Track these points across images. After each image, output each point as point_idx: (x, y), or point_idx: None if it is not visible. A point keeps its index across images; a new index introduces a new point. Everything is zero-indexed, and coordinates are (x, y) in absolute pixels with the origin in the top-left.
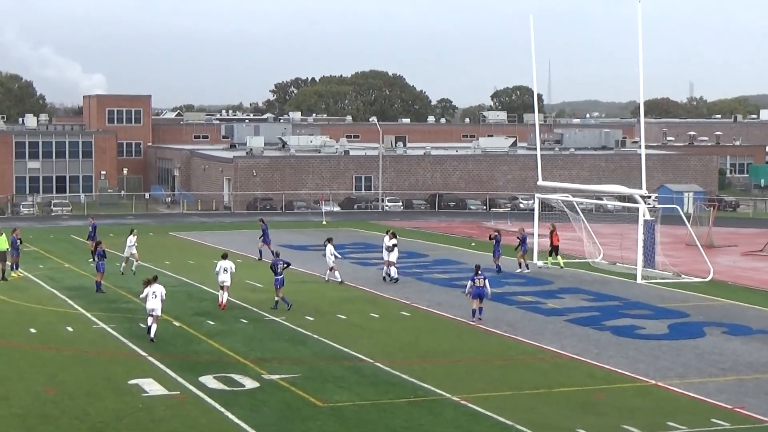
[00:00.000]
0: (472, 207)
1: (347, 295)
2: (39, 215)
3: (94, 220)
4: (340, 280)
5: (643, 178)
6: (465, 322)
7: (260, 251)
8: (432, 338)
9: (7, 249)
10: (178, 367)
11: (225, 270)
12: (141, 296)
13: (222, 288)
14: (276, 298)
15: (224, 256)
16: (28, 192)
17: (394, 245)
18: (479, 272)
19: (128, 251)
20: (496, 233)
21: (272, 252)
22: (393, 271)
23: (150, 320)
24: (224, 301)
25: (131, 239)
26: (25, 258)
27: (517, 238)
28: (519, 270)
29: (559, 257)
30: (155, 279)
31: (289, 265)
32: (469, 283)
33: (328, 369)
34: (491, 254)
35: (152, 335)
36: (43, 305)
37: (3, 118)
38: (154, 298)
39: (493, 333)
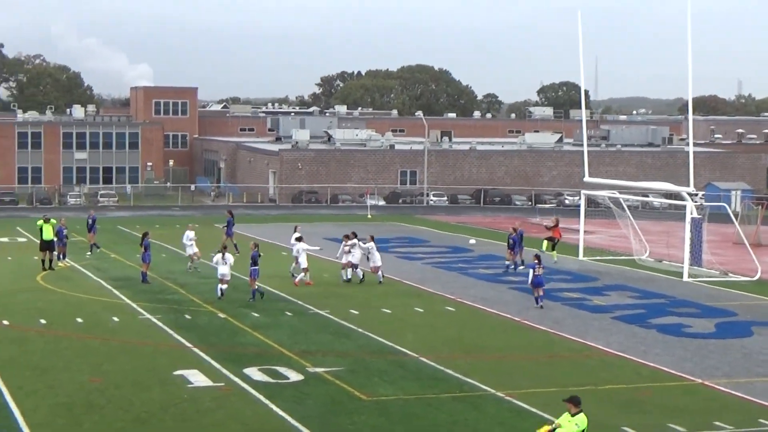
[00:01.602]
0: (517, 203)
1: (392, 289)
2: (85, 205)
3: (95, 212)
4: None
5: (691, 175)
6: (510, 317)
7: (235, 245)
8: (477, 334)
9: (53, 239)
10: (223, 358)
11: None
12: (213, 263)
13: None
14: (253, 288)
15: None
16: (75, 182)
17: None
18: (539, 261)
19: (190, 249)
20: (514, 229)
21: (143, 244)
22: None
23: (221, 284)
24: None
25: (189, 234)
26: (71, 248)
27: (511, 237)
28: (513, 268)
29: (554, 252)
30: (225, 248)
31: (259, 256)
32: (531, 271)
33: (373, 363)
34: (511, 250)
35: (221, 295)
36: (89, 295)
37: (51, 108)
38: (224, 264)
39: (539, 329)
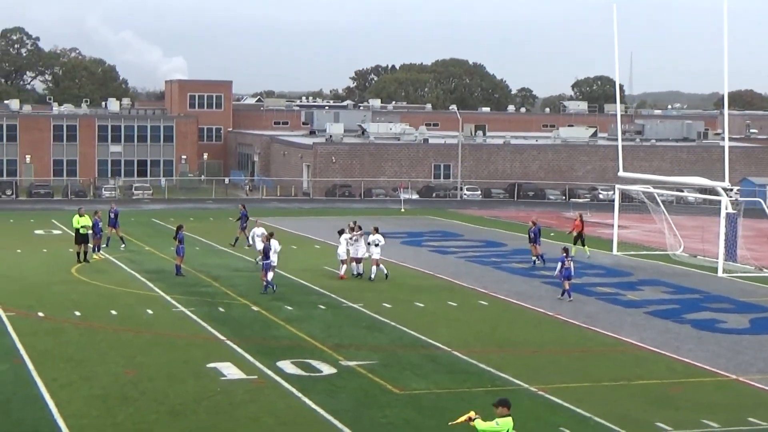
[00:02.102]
0: (551, 197)
1: (425, 283)
2: (120, 198)
3: (116, 206)
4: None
5: (726, 170)
6: (543, 312)
7: (247, 237)
8: (510, 328)
9: (89, 232)
10: (256, 351)
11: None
12: (258, 249)
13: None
14: (265, 281)
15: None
16: (110, 175)
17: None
18: (568, 254)
19: (259, 245)
20: (533, 222)
21: (177, 237)
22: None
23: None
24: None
25: (257, 231)
26: (105, 240)
27: (531, 230)
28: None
29: (585, 247)
30: (272, 235)
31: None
32: (559, 264)
33: (406, 356)
34: (534, 244)
35: (270, 280)
36: (123, 287)
37: (86, 101)
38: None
39: (572, 324)
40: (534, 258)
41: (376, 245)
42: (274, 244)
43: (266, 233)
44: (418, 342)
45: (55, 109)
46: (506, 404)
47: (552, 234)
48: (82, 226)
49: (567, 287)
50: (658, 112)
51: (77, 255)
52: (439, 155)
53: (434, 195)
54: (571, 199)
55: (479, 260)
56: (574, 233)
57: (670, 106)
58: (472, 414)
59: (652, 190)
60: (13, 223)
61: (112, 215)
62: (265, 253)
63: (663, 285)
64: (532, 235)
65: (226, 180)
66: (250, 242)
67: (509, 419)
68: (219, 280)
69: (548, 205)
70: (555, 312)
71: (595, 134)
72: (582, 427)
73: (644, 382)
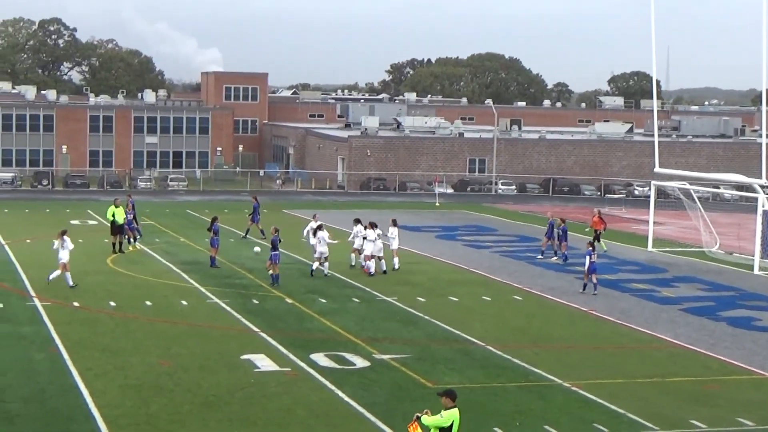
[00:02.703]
0: (586, 192)
1: (460, 277)
2: (156, 189)
3: (132, 197)
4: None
5: (763, 167)
6: (578, 308)
7: (261, 231)
8: (544, 323)
9: (124, 223)
10: (290, 344)
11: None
12: (309, 241)
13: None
14: (271, 273)
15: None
16: (145, 166)
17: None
18: (594, 249)
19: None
20: (563, 220)
21: (212, 229)
22: (375, 265)
23: (317, 263)
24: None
25: (314, 225)
26: (141, 231)
27: (555, 227)
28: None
29: (602, 243)
30: (321, 228)
31: (279, 241)
32: (587, 259)
33: (439, 351)
34: (558, 241)
35: (326, 271)
36: (158, 278)
37: (123, 92)
38: (320, 243)
39: (606, 320)
40: (561, 253)
41: (367, 239)
42: (323, 235)
43: (274, 227)
44: (451, 336)
45: (92, 99)
46: (451, 395)
47: (587, 230)
48: (116, 218)
49: (594, 281)
50: (694, 108)
51: (113, 246)
52: (474, 149)
53: (469, 189)
54: (607, 195)
55: (514, 255)
56: (597, 230)
57: (707, 102)
58: (419, 414)
59: (688, 186)
60: (49, 213)
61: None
62: (273, 245)
63: (698, 282)
64: (560, 232)
65: (261, 172)
66: (304, 236)
67: (455, 411)
68: (253, 272)
69: (583, 200)
70: (589, 308)
71: (631, 130)
72: (615, 424)
73: (679, 380)
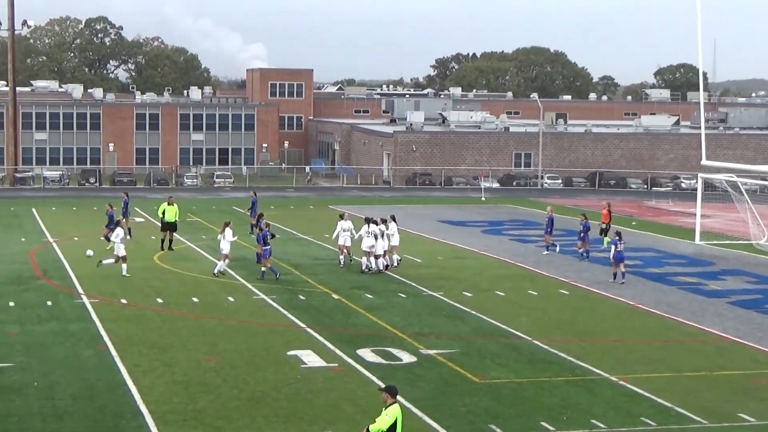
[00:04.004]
0: (632, 186)
1: (506, 272)
2: (202, 186)
3: (128, 196)
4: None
5: None
6: (624, 301)
7: (251, 225)
8: (590, 317)
9: (176, 220)
10: (336, 339)
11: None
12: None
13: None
14: (263, 269)
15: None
16: (191, 163)
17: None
18: (620, 238)
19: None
20: (584, 215)
21: (258, 226)
22: (380, 263)
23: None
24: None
25: (345, 225)
26: (187, 229)
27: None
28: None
29: (606, 238)
30: (342, 216)
31: (274, 236)
32: (613, 248)
33: (486, 345)
34: (595, 237)
35: (268, 267)
36: (205, 275)
37: (169, 90)
38: (368, 236)
39: (653, 313)
40: (580, 251)
41: (384, 235)
42: (348, 224)
43: (265, 221)
44: (498, 331)
45: (138, 97)
46: (391, 391)
47: (634, 223)
48: (166, 215)
49: (623, 269)
50: (741, 100)
51: (161, 242)
52: (520, 144)
53: (515, 183)
54: (653, 188)
55: (560, 249)
56: (604, 224)
57: (754, 94)
58: (368, 426)
59: (735, 179)
60: (97, 211)
61: (123, 205)
62: (264, 239)
63: (746, 275)
64: (582, 228)
65: (307, 168)
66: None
67: (396, 406)
68: (299, 269)
69: (630, 194)
70: (636, 301)
71: (677, 122)
72: (663, 418)
73: (727, 373)
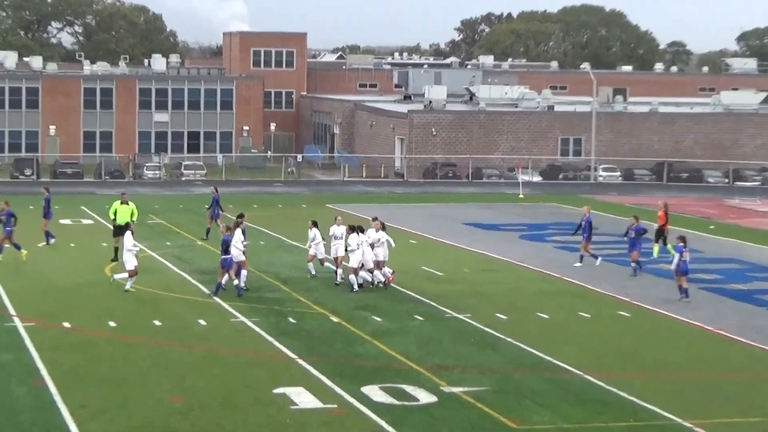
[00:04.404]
0: (710, 179)
1: (549, 288)
2: (167, 180)
3: (49, 192)
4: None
5: None
6: (700, 326)
7: (207, 230)
8: (657, 346)
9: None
10: (336, 373)
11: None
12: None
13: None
14: (221, 281)
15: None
16: (153, 151)
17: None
18: (685, 244)
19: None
20: (636, 218)
21: (219, 226)
22: (379, 275)
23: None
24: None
25: (338, 232)
26: (148, 233)
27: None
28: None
29: (656, 247)
30: (315, 224)
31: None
32: (677, 256)
33: (524, 381)
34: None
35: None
36: (169, 292)
37: (125, 59)
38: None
39: (738, 341)
40: (634, 265)
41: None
42: (342, 229)
43: (225, 225)
44: (540, 362)
45: (87, 68)
46: None
47: (712, 227)
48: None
49: (685, 284)
50: None
51: (114, 251)
52: (568, 126)
53: (561, 177)
54: (737, 183)
55: (619, 260)
56: (661, 228)
57: None
58: None
59: None
60: (34, 210)
61: (44, 204)
62: (224, 247)
63: None
64: (632, 233)
65: (299, 157)
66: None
67: None
68: (289, 283)
69: (707, 189)
70: (716, 326)
71: (766, 100)
72: None
73: None
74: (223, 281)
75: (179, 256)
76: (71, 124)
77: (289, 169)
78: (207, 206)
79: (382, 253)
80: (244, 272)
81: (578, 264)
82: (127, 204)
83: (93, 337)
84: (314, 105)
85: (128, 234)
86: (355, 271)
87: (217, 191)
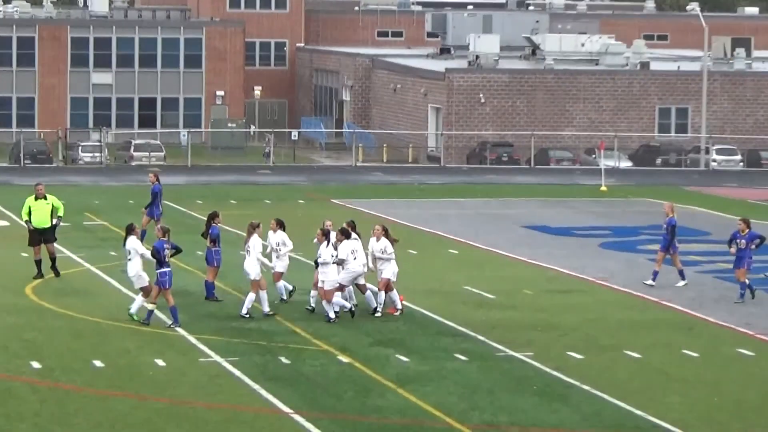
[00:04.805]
0: None
1: (642, 316)
2: (110, 166)
3: None
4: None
5: None
6: None
7: (143, 231)
8: None
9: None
10: None
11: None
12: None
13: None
14: (150, 305)
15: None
16: (91, 125)
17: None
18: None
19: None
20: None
21: (209, 230)
22: (381, 297)
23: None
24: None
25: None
26: (85, 239)
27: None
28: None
29: None
30: (282, 225)
31: (178, 251)
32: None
33: None
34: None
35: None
36: (114, 320)
37: None
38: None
39: None
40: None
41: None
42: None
43: (161, 227)
44: (629, 419)
45: None
46: None
47: None
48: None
49: (742, 280)
50: None
51: (37, 264)
52: (668, 92)
53: (659, 162)
54: None
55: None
56: None
57: None
58: None
59: None
60: None
61: None
62: (158, 257)
63: None
64: (741, 244)
65: (294, 134)
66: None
67: None
68: (281, 309)
69: None
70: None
71: None
72: None
73: None
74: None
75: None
76: None
77: (265, 150)
78: (145, 207)
79: (389, 270)
80: (263, 294)
81: (681, 283)
82: (45, 198)
83: (10, 384)
84: (315, 61)
85: (132, 238)
86: (341, 289)
87: (158, 180)
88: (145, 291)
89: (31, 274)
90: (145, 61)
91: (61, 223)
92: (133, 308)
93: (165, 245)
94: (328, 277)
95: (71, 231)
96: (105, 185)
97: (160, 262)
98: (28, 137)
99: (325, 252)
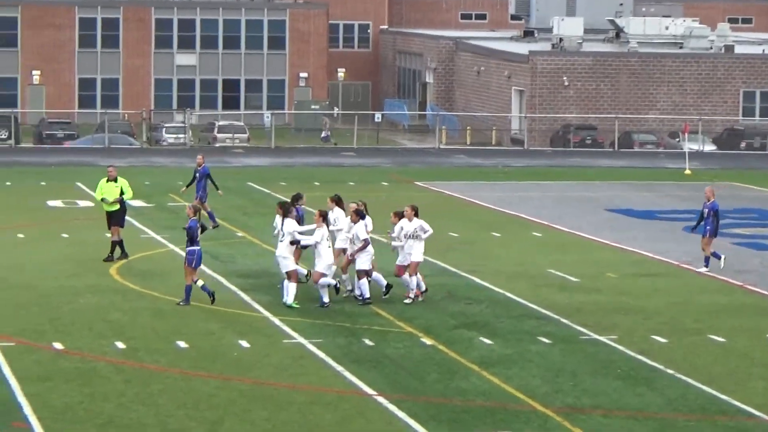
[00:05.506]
0: None
1: (728, 300)
2: (194, 146)
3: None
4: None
5: None
6: None
7: (197, 212)
8: None
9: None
10: (431, 416)
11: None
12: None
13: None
14: (188, 284)
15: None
16: (175, 106)
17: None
18: None
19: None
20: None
21: (296, 210)
22: (413, 282)
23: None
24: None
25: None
26: (168, 220)
27: None
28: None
29: None
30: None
31: (205, 229)
32: None
33: (691, 429)
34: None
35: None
36: (197, 301)
37: None
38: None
39: None
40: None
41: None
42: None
43: (192, 205)
44: (714, 404)
45: None
46: None
47: None
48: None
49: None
50: None
51: (112, 246)
52: (753, 75)
53: (743, 145)
54: None
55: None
56: None
57: None
58: None
59: None
60: (11, 186)
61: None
62: (190, 235)
63: None
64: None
65: (377, 116)
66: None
67: None
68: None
69: None
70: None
71: None
72: None
73: None
74: (194, 281)
75: (213, 253)
76: (63, 69)
77: (323, 134)
78: (186, 184)
79: (417, 251)
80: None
81: (703, 269)
82: (115, 181)
83: (95, 364)
84: (399, 43)
85: (289, 220)
86: (367, 273)
87: (203, 162)
88: (291, 276)
89: (116, 255)
90: (228, 43)
91: (143, 204)
92: (289, 299)
93: (194, 224)
94: (362, 257)
95: (155, 212)
96: (189, 167)
97: (192, 240)
98: (111, 119)
99: (361, 230)
